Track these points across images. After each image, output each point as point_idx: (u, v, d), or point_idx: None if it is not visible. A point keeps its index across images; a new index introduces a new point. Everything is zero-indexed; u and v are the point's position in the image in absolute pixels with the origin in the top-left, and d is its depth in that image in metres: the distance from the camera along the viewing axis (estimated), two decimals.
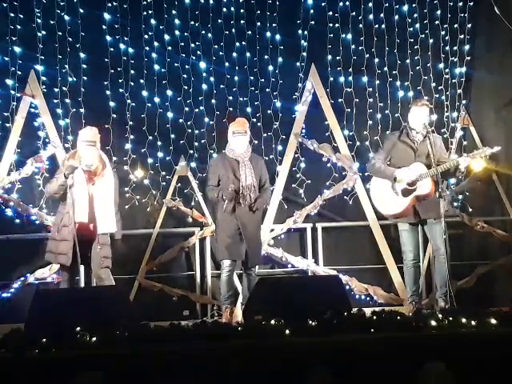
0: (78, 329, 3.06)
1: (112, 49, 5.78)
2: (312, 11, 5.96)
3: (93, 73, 5.77)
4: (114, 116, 5.71)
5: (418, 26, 5.98)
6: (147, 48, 5.82)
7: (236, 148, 4.84)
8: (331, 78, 5.88)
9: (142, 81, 5.79)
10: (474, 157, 4.52)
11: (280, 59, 5.92)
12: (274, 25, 5.95)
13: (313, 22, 5.95)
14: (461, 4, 5.98)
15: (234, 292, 4.91)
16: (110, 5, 5.81)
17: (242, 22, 5.94)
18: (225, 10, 5.94)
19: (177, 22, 5.91)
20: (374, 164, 4.72)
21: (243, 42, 5.93)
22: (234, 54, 5.92)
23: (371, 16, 5.97)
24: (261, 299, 3.63)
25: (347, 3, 5.97)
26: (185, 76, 5.85)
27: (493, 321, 3.25)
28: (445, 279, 4.53)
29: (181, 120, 5.80)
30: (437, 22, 5.98)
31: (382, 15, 5.98)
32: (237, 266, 4.93)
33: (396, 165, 4.67)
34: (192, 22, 5.90)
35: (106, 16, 5.81)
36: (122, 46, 5.79)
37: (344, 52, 5.91)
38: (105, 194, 4.51)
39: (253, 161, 4.89)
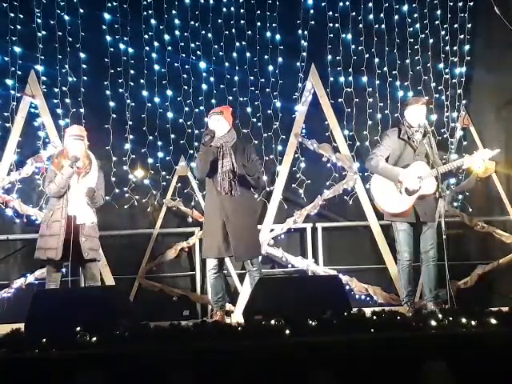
0: (78, 329, 3.06)
1: (112, 49, 5.79)
2: (312, 11, 5.95)
3: (93, 73, 5.78)
4: (114, 116, 5.71)
5: (417, 26, 5.97)
6: (147, 48, 5.83)
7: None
8: (331, 78, 5.88)
9: (141, 81, 5.79)
10: (476, 158, 4.56)
11: (280, 59, 5.91)
12: (274, 25, 5.95)
13: (313, 22, 5.94)
14: (461, 4, 5.97)
15: (224, 294, 4.68)
16: (109, 5, 5.81)
17: (242, 21, 5.94)
18: (225, 9, 5.94)
19: (177, 21, 5.91)
20: (377, 162, 4.65)
21: (243, 42, 5.93)
22: (234, 54, 5.92)
23: (371, 16, 5.96)
24: (261, 299, 3.63)
25: (347, 3, 5.97)
26: (185, 76, 5.85)
27: (493, 321, 3.25)
28: (433, 282, 4.58)
29: (181, 120, 5.80)
30: (437, 22, 5.98)
31: (381, 15, 5.97)
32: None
33: (396, 163, 4.67)
34: (192, 22, 5.89)
35: (106, 16, 5.81)
36: (121, 46, 5.79)
37: (344, 52, 5.90)
38: (87, 188, 4.53)
39: (238, 147, 4.64)
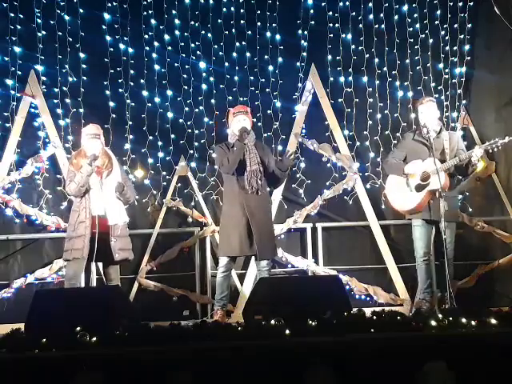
0: (78, 329, 3.06)
1: (112, 49, 5.78)
2: (312, 11, 5.95)
3: (93, 73, 5.77)
4: (114, 116, 5.70)
5: (417, 26, 5.97)
6: (147, 48, 5.82)
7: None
8: (331, 78, 5.88)
9: (141, 81, 5.79)
10: (486, 147, 4.53)
11: (280, 59, 5.91)
12: (274, 25, 5.94)
13: (313, 22, 5.94)
14: (461, 4, 5.97)
15: (228, 294, 4.70)
16: (109, 5, 5.80)
17: (241, 22, 5.93)
18: (225, 9, 5.94)
19: (177, 21, 5.90)
20: (387, 161, 4.85)
21: (243, 42, 5.92)
22: (234, 54, 5.92)
23: (371, 16, 5.96)
24: (261, 299, 3.63)
25: (347, 3, 5.97)
26: (185, 76, 5.84)
27: (493, 321, 3.25)
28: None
29: (181, 120, 5.80)
30: (437, 22, 5.97)
31: (381, 15, 5.97)
32: (237, 264, 4.89)
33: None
34: (192, 22, 5.89)
35: (106, 16, 5.80)
36: (121, 46, 5.78)
37: (344, 52, 5.91)
38: (113, 186, 4.54)
39: (258, 147, 4.72)
